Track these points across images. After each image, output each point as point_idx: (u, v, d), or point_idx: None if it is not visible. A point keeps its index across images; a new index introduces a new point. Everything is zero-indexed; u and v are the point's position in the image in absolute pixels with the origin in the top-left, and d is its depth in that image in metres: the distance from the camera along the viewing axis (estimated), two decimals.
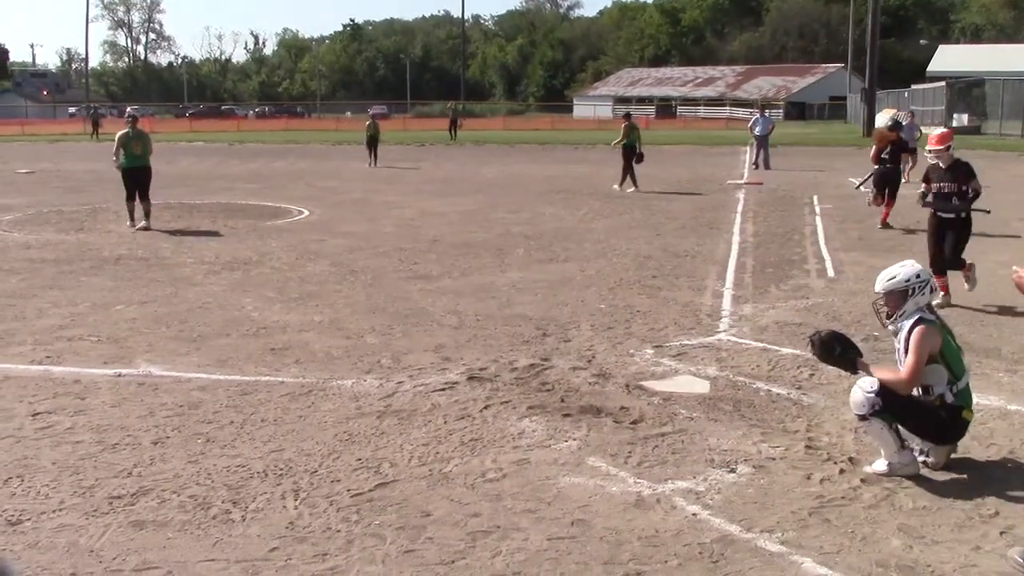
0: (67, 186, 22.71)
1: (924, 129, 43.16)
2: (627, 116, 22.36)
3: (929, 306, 5.07)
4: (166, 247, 13.09)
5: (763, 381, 6.69)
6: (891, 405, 4.88)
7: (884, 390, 4.86)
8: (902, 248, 12.60)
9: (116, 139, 15.18)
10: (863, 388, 4.90)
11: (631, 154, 20.88)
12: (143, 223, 14.76)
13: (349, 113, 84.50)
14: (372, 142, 29.72)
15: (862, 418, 4.96)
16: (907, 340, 4.95)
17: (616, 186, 20.93)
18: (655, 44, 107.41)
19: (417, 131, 54.85)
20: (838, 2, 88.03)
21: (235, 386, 6.56)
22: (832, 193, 20.01)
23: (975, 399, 5.14)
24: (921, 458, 5.01)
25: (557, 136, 47.50)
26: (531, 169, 27.53)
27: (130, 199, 14.97)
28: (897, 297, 5.03)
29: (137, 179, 14.87)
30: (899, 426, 4.93)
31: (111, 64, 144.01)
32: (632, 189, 20.53)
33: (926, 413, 4.92)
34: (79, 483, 4.88)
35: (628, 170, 20.88)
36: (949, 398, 4.89)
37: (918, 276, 5.00)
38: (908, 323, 4.99)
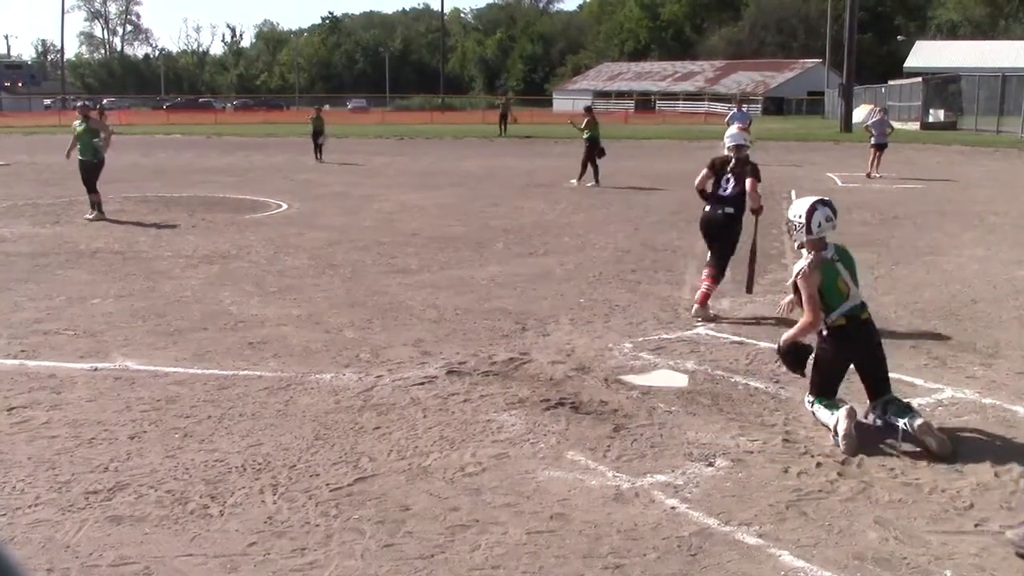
0: (42, 179, 22.49)
1: (899, 124, 43.72)
2: (588, 109, 22.17)
3: (820, 241, 5.52)
4: (143, 240, 13.00)
5: (741, 375, 6.72)
6: (811, 384, 5.60)
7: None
8: (877, 242, 12.70)
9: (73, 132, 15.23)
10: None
11: (593, 148, 20.57)
12: (93, 213, 14.98)
13: (328, 106, 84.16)
14: (316, 135, 28.14)
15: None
16: (794, 283, 5.59)
17: (575, 180, 20.56)
18: (634, 38, 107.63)
19: (396, 124, 54.65)
20: None
21: (213, 380, 6.53)
22: (810, 188, 20.04)
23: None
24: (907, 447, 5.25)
25: (536, 130, 47.39)
26: (510, 163, 27.50)
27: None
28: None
29: (86, 171, 15.01)
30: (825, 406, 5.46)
31: (87, 56, 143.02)
32: (592, 184, 20.18)
33: (813, 356, 5.58)
34: (55, 478, 4.84)
35: (589, 163, 20.53)
36: (823, 330, 5.47)
37: (796, 216, 5.55)
38: (797, 265, 5.58)
